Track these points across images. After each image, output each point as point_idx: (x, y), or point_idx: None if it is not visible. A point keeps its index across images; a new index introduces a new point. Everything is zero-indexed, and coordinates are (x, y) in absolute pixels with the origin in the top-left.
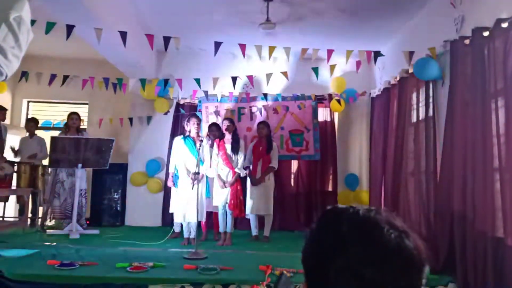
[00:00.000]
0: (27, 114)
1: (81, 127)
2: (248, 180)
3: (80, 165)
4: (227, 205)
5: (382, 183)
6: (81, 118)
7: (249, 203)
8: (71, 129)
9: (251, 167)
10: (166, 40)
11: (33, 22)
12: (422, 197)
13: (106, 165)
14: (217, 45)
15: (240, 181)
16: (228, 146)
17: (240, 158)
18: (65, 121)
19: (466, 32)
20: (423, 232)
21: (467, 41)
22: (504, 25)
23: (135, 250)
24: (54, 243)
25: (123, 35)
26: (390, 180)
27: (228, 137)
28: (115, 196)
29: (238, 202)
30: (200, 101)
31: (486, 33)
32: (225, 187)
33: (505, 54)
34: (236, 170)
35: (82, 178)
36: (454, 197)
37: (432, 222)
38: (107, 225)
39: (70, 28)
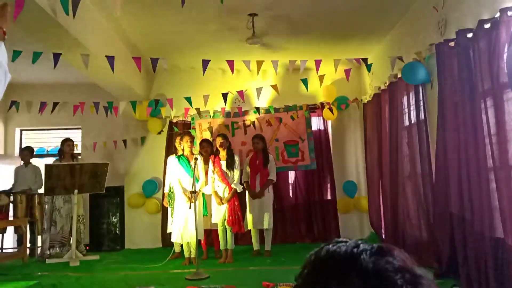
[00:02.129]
0: (20, 142)
1: (75, 152)
2: (247, 194)
3: (76, 191)
4: (225, 221)
5: (380, 188)
6: (75, 143)
7: (249, 217)
8: (65, 156)
9: (249, 181)
10: (154, 61)
11: (18, 53)
12: (421, 200)
13: (103, 189)
14: (205, 63)
15: (237, 196)
16: (223, 163)
17: (236, 173)
18: (59, 147)
19: (451, 35)
20: (424, 236)
21: (452, 44)
22: (487, 26)
23: (136, 274)
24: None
25: (111, 59)
26: (388, 184)
27: (223, 153)
28: (114, 219)
29: (236, 218)
30: (193, 119)
31: (470, 35)
32: (222, 203)
33: (489, 54)
34: (233, 186)
35: (79, 204)
36: (452, 199)
37: (433, 226)
38: (107, 249)
39: (57, 56)
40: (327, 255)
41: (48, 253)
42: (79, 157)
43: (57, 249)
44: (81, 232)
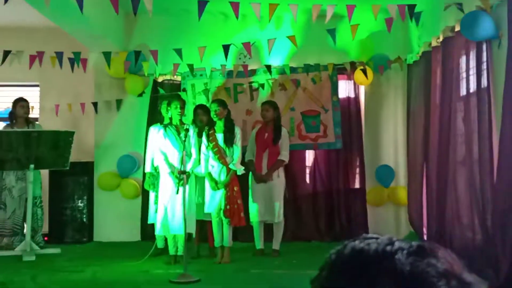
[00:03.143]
0: None
1: (31, 116)
2: (251, 178)
3: (32, 166)
4: (222, 211)
5: (424, 176)
6: (31, 105)
7: (252, 207)
8: (18, 121)
9: (254, 161)
10: (135, 0)
11: None
12: (476, 193)
13: (66, 165)
14: (202, 4)
15: (237, 180)
16: (220, 136)
17: (236, 151)
18: (10, 109)
19: None
20: (477, 238)
21: None
22: None
23: (107, 273)
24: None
25: None
26: (435, 172)
27: (219, 124)
28: (80, 204)
29: (235, 207)
30: (184, 78)
31: None
32: (218, 188)
33: None
34: (231, 166)
35: (36, 182)
36: None
37: (490, 227)
38: (70, 241)
39: None
40: (352, 253)
41: None
42: (37, 122)
43: (7, 239)
44: (38, 218)
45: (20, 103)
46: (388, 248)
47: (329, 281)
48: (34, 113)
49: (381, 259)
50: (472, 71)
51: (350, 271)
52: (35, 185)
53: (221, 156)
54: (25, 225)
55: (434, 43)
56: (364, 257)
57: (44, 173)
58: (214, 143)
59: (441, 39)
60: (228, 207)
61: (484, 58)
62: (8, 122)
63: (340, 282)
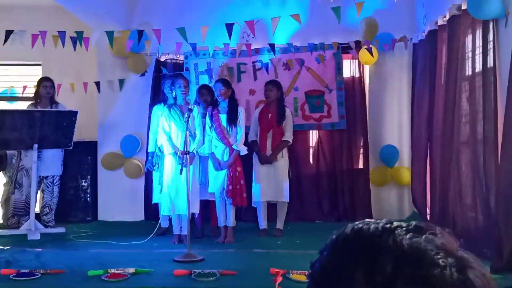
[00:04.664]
0: None
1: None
2: (254, 159)
3: (35, 145)
4: (225, 191)
5: (428, 156)
6: (33, 84)
7: (256, 188)
8: (42, 100)
9: (257, 142)
10: None
11: None
12: (479, 173)
13: (70, 144)
14: None
15: (240, 160)
16: (224, 117)
17: (240, 131)
18: (36, 89)
19: None
20: (479, 219)
21: None
22: None
23: (111, 252)
24: (8, 247)
25: None
26: (439, 152)
27: (223, 104)
28: (84, 184)
29: (237, 187)
30: (187, 57)
31: None
32: (221, 169)
33: None
34: (234, 147)
35: (55, 161)
36: None
37: (493, 207)
38: (75, 221)
39: None
40: (352, 232)
41: (8, 224)
42: (60, 104)
43: (22, 218)
44: (53, 196)
45: (44, 83)
46: (387, 226)
47: (330, 260)
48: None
49: (380, 236)
50: (478, 51)
51: (351, 249)
52: (55, 164)
53: (223, 137)
54: (46, 206)
55: (440, 22)
56: (364, 235)
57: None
58: (217, 123)
59: (447, 17)
60: (230, 187)
61: (491, 38)
62: (33, 102)
63: (342, 260)
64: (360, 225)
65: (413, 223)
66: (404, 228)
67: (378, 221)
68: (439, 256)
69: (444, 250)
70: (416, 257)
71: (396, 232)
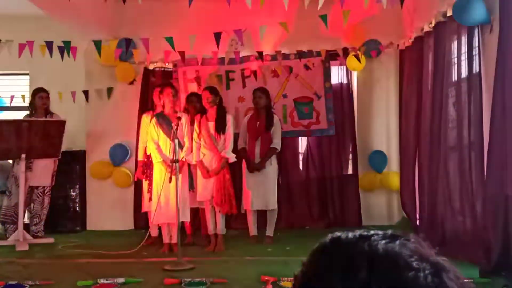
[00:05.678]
0: None
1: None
2: (244, 166)
3: (23, 155)
4: (213, 199)
5: (416, 161)
6: (21, 94)
7: (246, 195)
8: (38, 111)
9: (246, 149)
10: None
11: None
12: (467, 179)
13: (58, 154)
14: None
15: (228, 168)
16: (211, 124)
17: (228, 138)
18: (30, 100)
19: None
20: (468, 223)
21: None
22: None
23: (101, 262)
24: None
25: None
26: (427, 157)
27: (211, 112)
28: (72, 193)
29: (226, 196)
30: (175, 66)
31: None
32: (209, 176)
33: None
34: (223, 154)
35: (46, 171)
36: (509, 178)
37: (480, 212)
38: (64, 231)
39: None
40: (331, 240)
41: None
42: (54, 115)
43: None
44: (44, 207)
45: (39, 94)
46: (364, 233)
47: (310, 266)
48: (25, 102)
49: (356, 242)
50: (464, 56)
51: (329, 255)
52: (46, 175)
53: (211, 145)
54: (36, 217)
55: (426, 28)
56: (342, 242)
57: (49, 162)
58: (205, 131)
59: (433, 24)
60: (219, 195)
61: (476, 43)
62: (28, 113)
63: (320, 266)
64: (339, 234)
65: (389, 231)
66: (380, 235)
67: (357, 230)
68: (413, 259)
69: (418, 254)
70: (390, 260)
71: (372, 238)
